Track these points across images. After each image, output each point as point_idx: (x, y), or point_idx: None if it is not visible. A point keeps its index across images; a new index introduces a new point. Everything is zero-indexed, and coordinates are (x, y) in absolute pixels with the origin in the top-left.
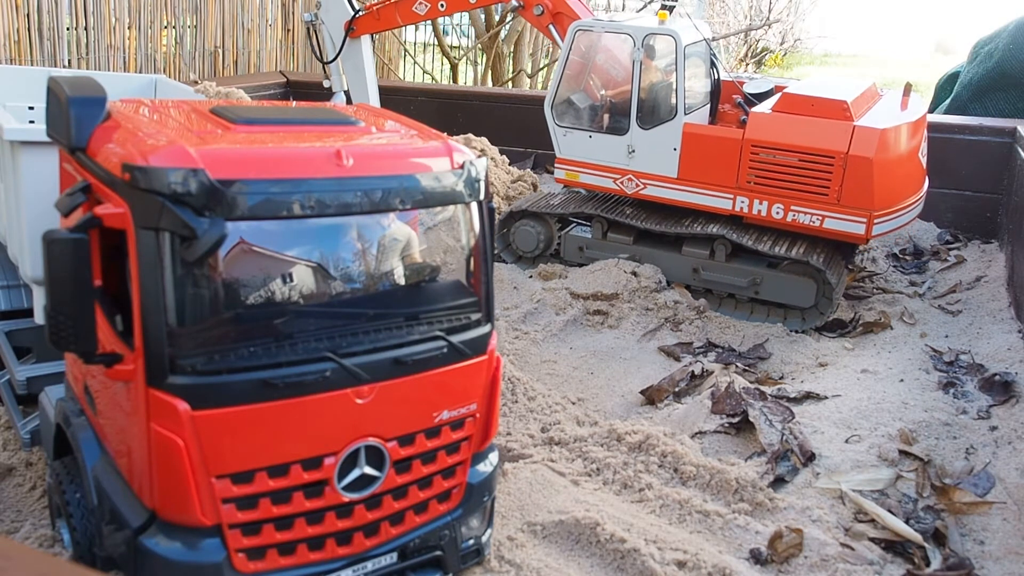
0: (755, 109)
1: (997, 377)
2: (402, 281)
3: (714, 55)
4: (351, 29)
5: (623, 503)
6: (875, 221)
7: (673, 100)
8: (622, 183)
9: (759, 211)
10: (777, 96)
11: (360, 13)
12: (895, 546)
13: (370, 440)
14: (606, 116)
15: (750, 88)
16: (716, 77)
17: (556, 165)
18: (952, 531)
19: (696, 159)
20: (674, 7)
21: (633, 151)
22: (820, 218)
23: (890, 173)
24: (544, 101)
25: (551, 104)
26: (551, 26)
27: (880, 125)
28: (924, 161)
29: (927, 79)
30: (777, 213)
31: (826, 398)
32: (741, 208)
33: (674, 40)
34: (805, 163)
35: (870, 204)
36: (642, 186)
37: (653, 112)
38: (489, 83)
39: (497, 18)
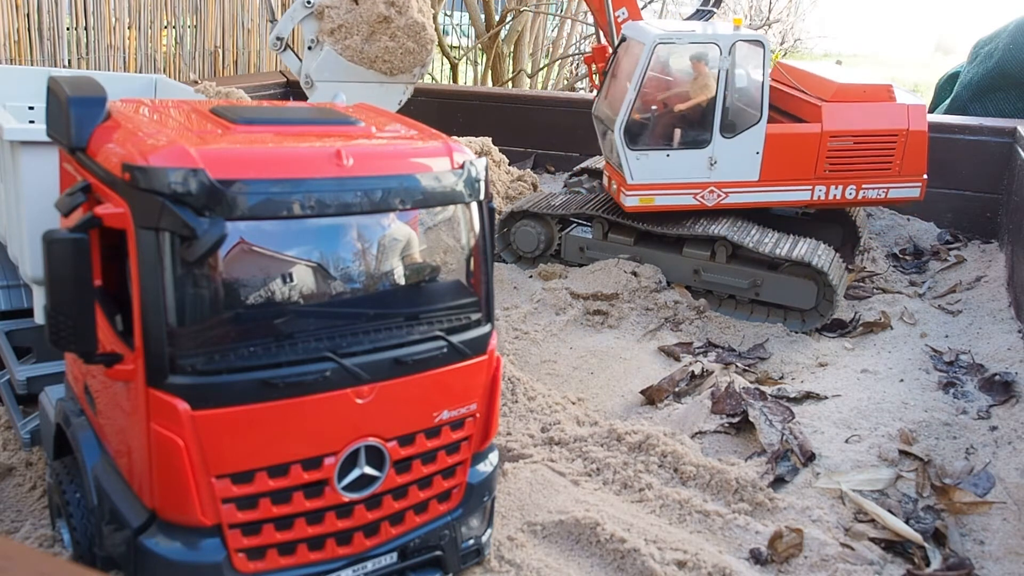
0: (819, 102)
1: (997, 377)
2: (402, 281)
3: None
4: None
5: (623, 503)
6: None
7: (758, 105)
8: (703, 197)
9: (835, 195)
10: (833, 89)
11: None
12: (895, 546)
13: (370, 440)
14: (679, 131)
15: None
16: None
17: (627, 192)
18: (952, 531)
19: (778, 159)
20: (714, 13)
21: (715, 162)
22: (885, 190)
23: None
24: (615, 124)
25: (622, 128)
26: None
27: (918, 102)
28: None
29: (927, 79)
30: (850, 194)
31: (826, 398)
32: (819, 196)
33: (762, 45)
34: (874, 144)
35: (923, 169)
36: (724, 196)
37: (737, 120)
38: (489, 83)
39: (497, 18)
